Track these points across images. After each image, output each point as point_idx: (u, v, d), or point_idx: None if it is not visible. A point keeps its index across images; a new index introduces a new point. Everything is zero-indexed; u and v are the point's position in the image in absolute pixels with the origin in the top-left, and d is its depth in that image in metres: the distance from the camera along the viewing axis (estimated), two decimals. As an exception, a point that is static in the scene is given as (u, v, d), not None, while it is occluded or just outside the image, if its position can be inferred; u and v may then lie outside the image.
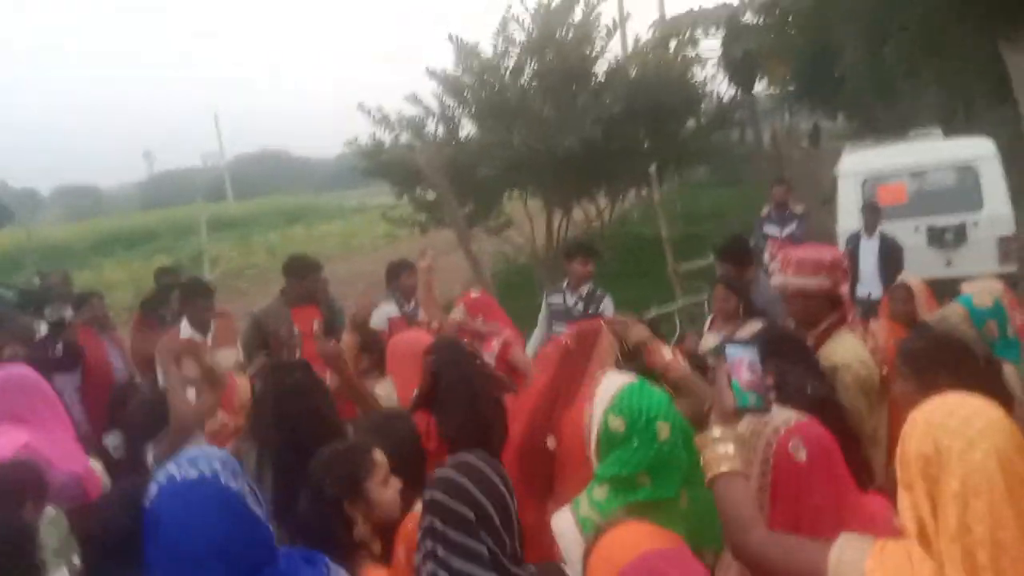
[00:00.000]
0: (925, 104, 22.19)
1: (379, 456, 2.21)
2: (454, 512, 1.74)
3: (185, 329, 4.86)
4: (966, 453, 1.47)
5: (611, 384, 2.09)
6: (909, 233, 8.25)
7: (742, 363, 1.87)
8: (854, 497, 1.71)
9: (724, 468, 1.71)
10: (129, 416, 3.37)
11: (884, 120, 23.64)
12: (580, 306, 5.56)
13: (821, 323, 3.14)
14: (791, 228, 8.33)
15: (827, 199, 11.77)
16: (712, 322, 4.77)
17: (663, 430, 1.95)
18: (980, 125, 14.82)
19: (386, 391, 3.63)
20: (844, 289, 3.15)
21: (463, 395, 3.02)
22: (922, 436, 1.54)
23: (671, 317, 8.42)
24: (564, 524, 1.99)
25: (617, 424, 1.98)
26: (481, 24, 12.98)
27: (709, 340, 4.57)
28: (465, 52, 11.23)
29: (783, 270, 3.18)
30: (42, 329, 4.57)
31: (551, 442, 2.40)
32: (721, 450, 1.74)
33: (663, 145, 12.99)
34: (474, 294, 4.88)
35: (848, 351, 3.01)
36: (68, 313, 5.12)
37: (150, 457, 3.08)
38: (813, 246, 3.37)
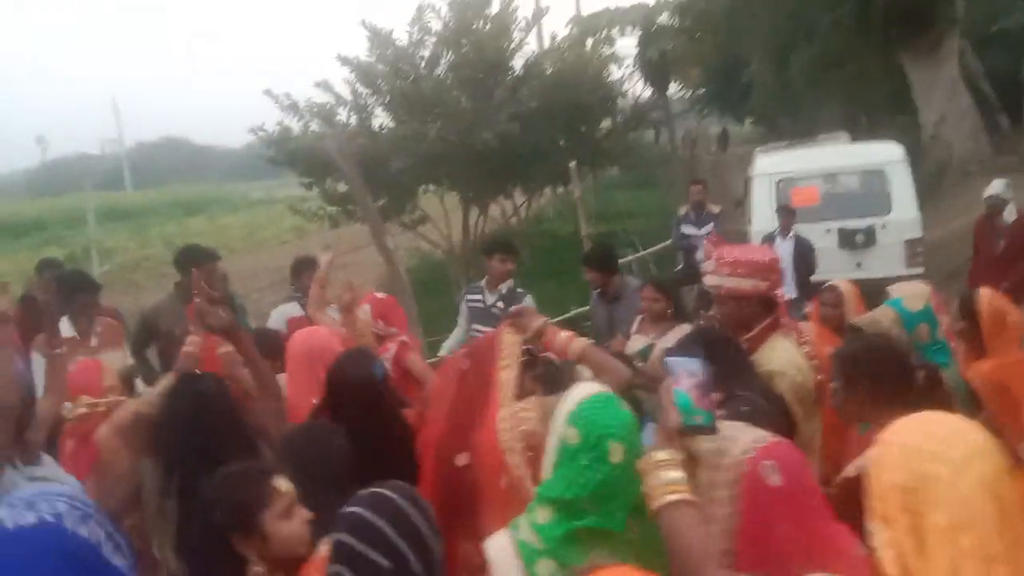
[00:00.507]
0: (828, 112, 23.02)
1: (282, 483, 1.90)
2: (366, 560, 1.47)
3: (65, 328, 4.37)
4: (952, 483, 1.30)
5: (578, 393, 1.85)
6: (820, 235, 8.35)
7: (685, 376, 1.67)
8: (826, 528, 1.52)
9: (672, 497, 1.50)
10: None
11: (789, 126, 24.46)
12: (500, 304, 5.35)
13: (754, 327, 2.99)
14: (708, 227, 8.33)
15: (739, 200, 11.96)
16: (639, 324, 4.61)
17: (616, 451, 1.71)
18: (882, 132, 15.38)
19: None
20: (780, 292, 3.02)
21: (370, 413, 2.78)
22: (899, 464, 1.37)
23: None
24: (500, 549, 1.74)
25: (571, 435, 1.75)
26: (396, 11, 12.59)
27: (636, 343, 4.42)
28: (379, 39, 10.85)
29: (717, 270, 3.02)
30: None
31: (463, 459, 2.15)
32: (667, 476, 1.53)
33: (579, 143, 12.91)
34: (379, 294, 4.64)
35: (783, 357, 2.87)
36: None
37: None
38: (749, 246, 3.23)
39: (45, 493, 1.37)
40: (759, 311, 3.00)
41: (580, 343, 2.61)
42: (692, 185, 8.74)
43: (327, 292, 5.00)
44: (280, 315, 5.30)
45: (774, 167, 9.34)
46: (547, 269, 12.45)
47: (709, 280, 3.11)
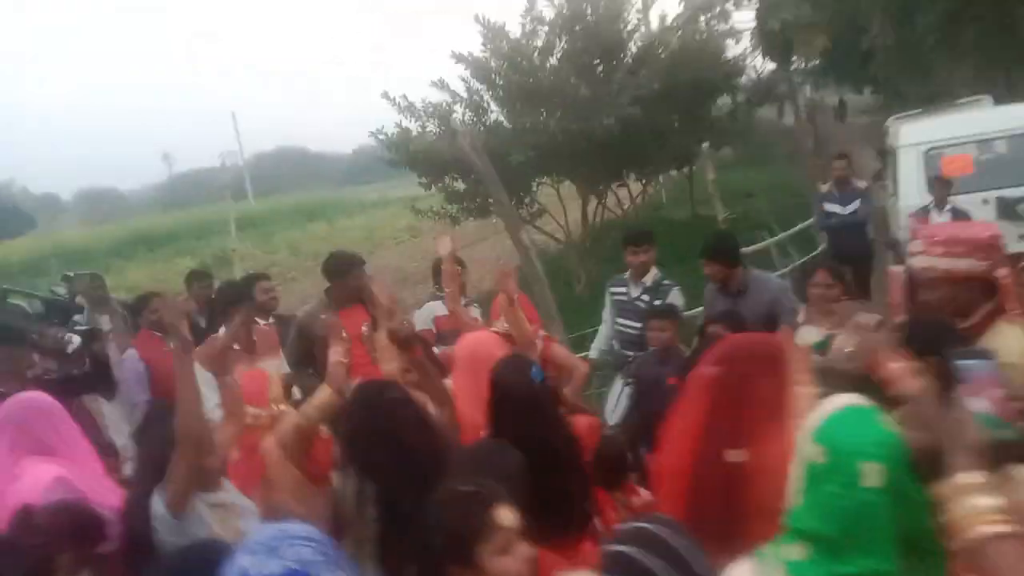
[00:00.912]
0: (960, 73, 21.44)
1: (504, 516, 1.74)
2: None
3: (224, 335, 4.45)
4: None
5: (828, 406, 1.63)
6: (977, 206, 7.71)
7: (985, 382, 1.41)
8: None
9: (993, 528, 1.26)
10: (141, 451, 2.90)
11: (915, 92, 22.94)
12: (645, 298, 5.12)
13: (973, 313, 2.68)
14: (854, 205, 7.81)
15: (876, 174, 11.24)
16: (806, 314, 4.29)
17: (870, 474, 1.46)
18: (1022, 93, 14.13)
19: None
20: (1002, 273, 2.68)
21: (531, 422, 2.66)
22: None
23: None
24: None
25: (817, 455, 1.52)
26: (506, 4, 12.48)
27: (808, 335, 4.11)
28: (493, 33, 10.75)
29: (928, 250, 2.72)
30: (74, 341, 4.17)
31: (738, 455, 1.90)
32: (982, 502, 1.28)
33: (699, 123, 12.46)
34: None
35: (1015, 346, 2.54)
36: (104, 320, 4.76)
37: (159, 507, 2.55)
38: (964, 223, 2.89)
39: (286, 536, 1.26)
40: (978, 295, 2.68)
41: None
42: (835, 160, 8.19)
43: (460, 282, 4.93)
44: (427, 313, 5.25)
45: (922, 136, 8.67)
46: (670, 257, 12.06)
47: (919, 262, 2.80)
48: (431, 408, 2.93)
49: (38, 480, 2.78)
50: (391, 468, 2.35)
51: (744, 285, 4.71)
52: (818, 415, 1.61)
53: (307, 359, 4.84)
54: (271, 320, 5.52)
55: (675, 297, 5.06)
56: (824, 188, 8.24)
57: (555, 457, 2.60)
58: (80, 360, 4.34)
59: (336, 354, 3.68)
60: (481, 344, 3.33)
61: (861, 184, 8.11)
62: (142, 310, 5.64)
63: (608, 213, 13.97)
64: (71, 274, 4.49)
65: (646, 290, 5.08)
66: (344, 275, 4.91)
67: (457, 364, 3.35)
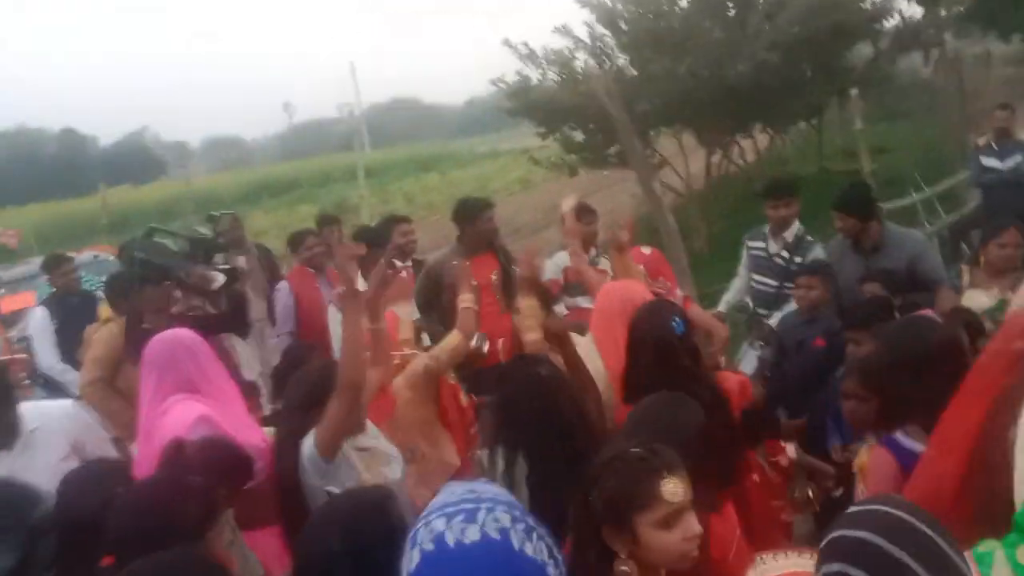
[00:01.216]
0: None
1: (672, 489, 1.59)
2: None
3: (360, 283, 4.46)
4: None
5: None
6: None
7: None
8: None
9: None
10: (289, 392, 2.87)
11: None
12: (784, 254, 4.81)
13: None
14: (1016, 159, 7.12)
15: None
16: (972, 275, 3.92)
17: None
18: None
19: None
20: None
21: (669, 376, 2.51)
22: None
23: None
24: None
25: None
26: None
27: (975, 298, 3.76)
28: (619, -24, 10.35)
29: None
30: (218, 279, 4.27)
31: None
32: None
33: (836, 71, 11.68)
34: (645, 249, 4.32)
35: None
36: (241, 261, 4.88)
37: (311, 448, 2.54)
38: None
39: (482, 500, 1.16)
40: None
41: None
42: (997, 110, 7.47)
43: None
44: (557, 263, 5.16)
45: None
46: (804, 214, 11.47)
47: None
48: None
49: (183, 418, 2.83)
50: (547, 447, 2.27)
51: (880, 241, 4.35)
52: None
53: (435, 304, 4.83)
54: (409, 263, 5.56)
55: (818, 254, 4.74)
56: (981, 141, 7.54)
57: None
58: (221, 298, 4.44)
59: (466, 300, 3.62)
60: (629, 291, 3.18)
61: (1023, 138, 7.40)
62: (297, 248, 5.84)
63: (731, 166, 13.40)
64: (216, 214, 4.61)
65: (786, 246, 4.79)
66: (473, 220, 4.84)
67: (603, 315, 3.22)
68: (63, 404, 3.56)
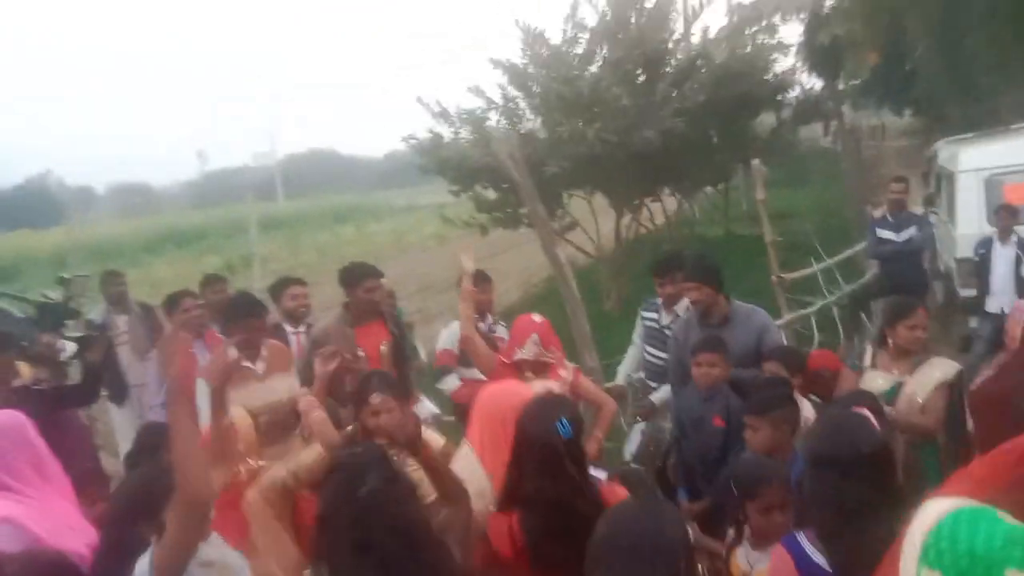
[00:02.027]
0: (1011, 97, 20.78)
1: None
2: None
3: (232, 352, 4.09)
4: None
5: (928, 515, 1.24)
6: (1044, 239, 7.19)
7: None
8: None
9: None
10: (114, 500, 2.48)
11: (959, 115, 22.25)
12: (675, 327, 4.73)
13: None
14: (910, 232, 7.33)
15: (928, 199, 10.71)
16: (872, 356, 3.85)
17: None
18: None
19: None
20: None
21: (553, 483, 2.33)
22: None
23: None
24: None
25: None
26: (549, 10, 12.13)
27: (874, 380, 3.68)
28: (532, 39, 10.40)
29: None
30: (67, 348, 3.85)
31: None
32: None
33: (740, 139, 12.01)
34: (536, 318, 4.13)
35: None
36: (122, 321, 4.45)
37: (144, 568, 2.15)
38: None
39: None
40: None
41: None
42: (892, 182, 7.70)
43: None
44: (453, 334, 4.94)
45: (983, 161, 8.13)
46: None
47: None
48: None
49: None
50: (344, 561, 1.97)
51: (728, 314, 4.23)
52: (918, 531, 1.22)
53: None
54: (302, 329, 5.22)
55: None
56: (877, 213, 7.76)
57: (577, 521, 2.20)
58: (75, 368, 4.02)
59: (316, 415, 3.23)
60: (510, 393, 2.94)
61: (917, 210, 7.64)
62: (173, 311, 5.38)
63: (641, 228, 13.54)
64: (66, 276, 4.18)
65: (677, 319, 4.72)
66: (355, 287, 4.57)
67: (485, 419, 2.96)
68: None
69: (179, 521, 2.10)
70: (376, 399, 3.00)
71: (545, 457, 2.39)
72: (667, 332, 4.72)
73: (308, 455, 2.95)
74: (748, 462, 2.96)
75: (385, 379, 3.20)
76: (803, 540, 2.16)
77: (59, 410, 3.87)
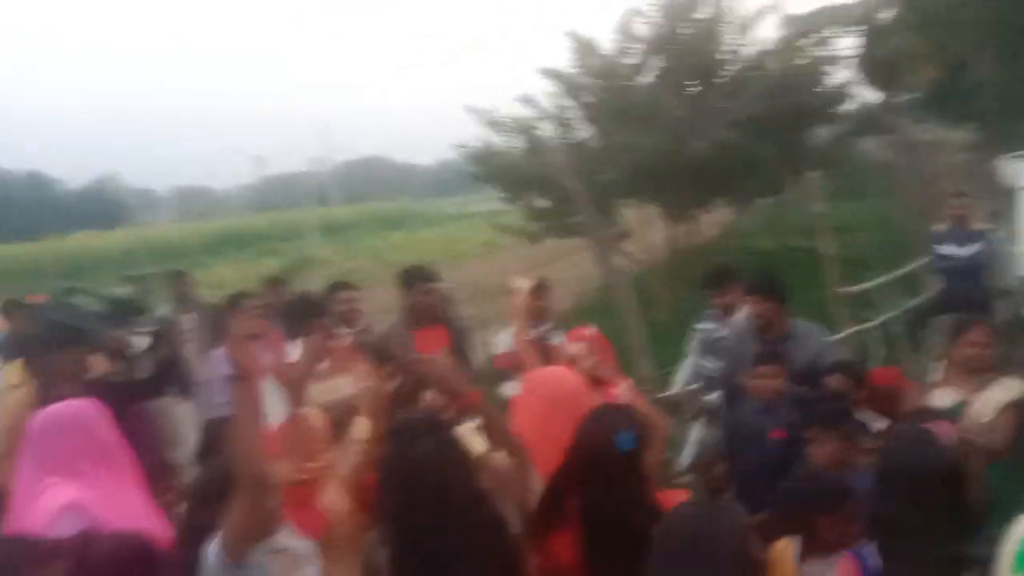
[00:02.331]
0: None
1: None
2: None
3: (295, 352, 4.24)
4: None
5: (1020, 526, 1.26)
6: (1110, 254, 6.98)
7: None
8: None
9: None
10: (199, 483, 2.58)
11: (1020, 130, 21.59)
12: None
13: None
14: (974, 247, 7.15)
15: (992, 215, 10.44)
16: (943, 373, 3.80)
17: None
18: None
19: None
20: None
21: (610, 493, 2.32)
22: None
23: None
24: None
25: None
26: (601, 21, 12.18)
27: (941, 397, 3.63)
28: (584, 49, 10.46)
29: None
30: (135, 344, 4.02)
31: None
32: None
33: (795, 151, 11.86)
34: (587, 330, 4.14)
35: None
36: (188, 319, 4.60)
37: (213, 555, 2.23)
38: None
39: None
40: None
41: None
42: (953, 197, 7.53)
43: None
44: (510, 340, 5.00)
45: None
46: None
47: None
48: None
49: (50, 505, 2.56)
50: (409, 539, 2.07)
51: (788, 332, 4.15)
52: (1011, 540, 1.24)
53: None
54: (351, 332, 5.34)
55: None
56: (940, 228, 7.59)
57: (635, 534, 2.22)
58: (145, 363, 4.19)
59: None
60: (562, 383, 2.97)
61: (982, 226, 7.45)
62: (234, 309, 5.57)
63: (693, 239, 13.46)
64: (135, 274, 4.37)
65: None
66: (412, 288, 4.66)
67: (534, 399, 3.00)
68: None
69: (240, 504, 2.17)
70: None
71: (603, 470, 2.37)
72: (725, 342, 4.69)
73: (360, 429, 3.00)
74: (822, 477, 2.89)
75: None
76: (870, 553, 2.16)
77: (129, 403, 4.04)
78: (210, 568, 2.23)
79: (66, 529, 2.43)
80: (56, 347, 3.79)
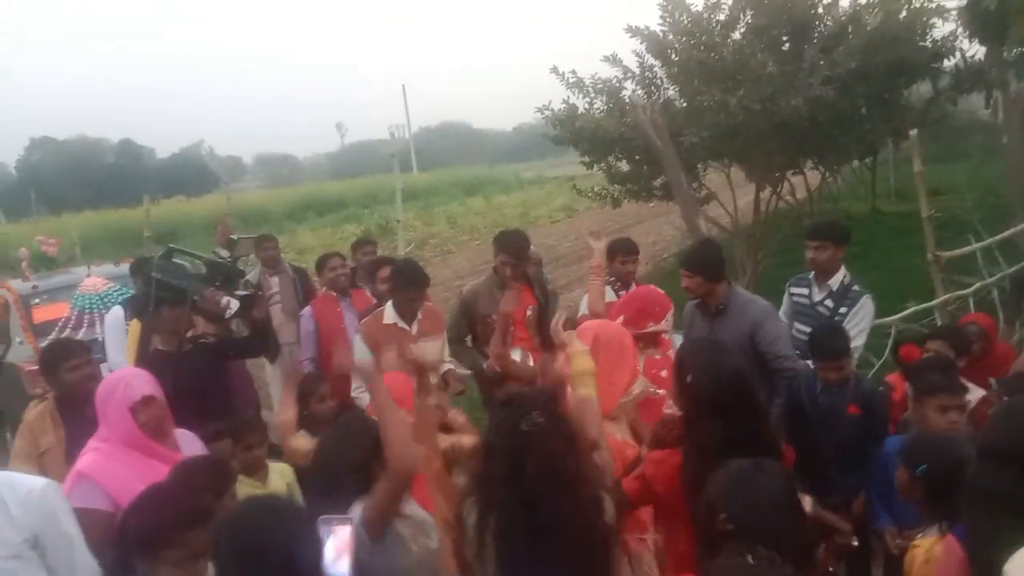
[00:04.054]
0: None
1: None
2: None
3: (389, 314, 4.32)
4: None
5: None
6: None
7: None
8: None
9: None
10: (326, 448, 2.71)
11: None
12: (828, 303, 4.56)
13: None
14: (1088, 210, 6.72)
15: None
16: None
17: None
18: None
19: None
20: None
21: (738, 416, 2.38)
22: None
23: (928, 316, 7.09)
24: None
25: None
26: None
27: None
28: (672, 5, 10.12)
29: None
30: (232, 306, 4.13)
31: None
32: None
33: (892, 110, 11.29)
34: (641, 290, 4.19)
35: None
36: (275, 282, 4.72)
37: (354, 514, 2.38)
38: None
39: None
40: None
41: None
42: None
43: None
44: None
45: None
46: (856, 256, 11.04)
47: None
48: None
49: (72, 471, 2.89)
50: (507, 513, 2.13)
51: (724, 304, 4.18)
52: None
53: (467, 333, 4.83)
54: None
55: (866, 306, 4.46)
56: (1051, 188, 7.14)
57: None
58: (241, 324, 4.31)
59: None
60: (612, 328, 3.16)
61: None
62: (322, 270, 5.77)
63: (780, 202, 13.05)
64: (234, 237, 4.47)
65: (831, 295, 4.54)
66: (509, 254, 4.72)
67: (604, 344, 3.08)
68: (32, 485, 2.51)
69: (389, 487, 2.36)
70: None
71: (723, 399, 2.47)
72: (819, 308, 4.55)
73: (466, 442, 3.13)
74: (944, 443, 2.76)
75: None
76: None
77: (227, 361, 4.17)
78: (356, 548, 2.35)
79: (75, 497, 2.67)
80: (159, 304, 3.93)
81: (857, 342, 4.30)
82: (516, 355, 4.54)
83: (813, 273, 4.66)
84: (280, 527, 1.84)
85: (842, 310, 4.45)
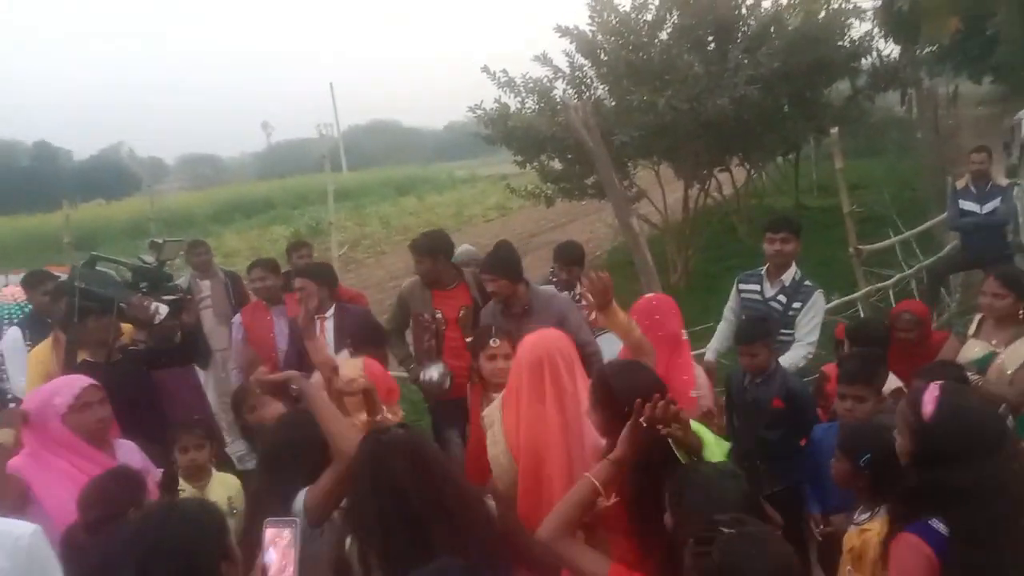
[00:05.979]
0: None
1: None
2: None
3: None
4: None
5: None
6: None
7: None
8: None
9: None
10: (270, 434, 2.73)
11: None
12: (781, 299, 4.51)
13: None
14: (993, 203, 7.08)
15: (1011, 170, 10.29)
16: (977, 326, 3.79)
17: None
18: None
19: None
20: None
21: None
22: None
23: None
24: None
25: None
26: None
27: (972, 349, 3.63)
28: (600, 5, 10.25)
29: None
30: (161, 311, 4.01)
31: None
32: None
33: (812, 108, 11.69)
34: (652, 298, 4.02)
35: None
36: (206, 286, 4.60)
37: (298, 502, 2.43)
38: None
39: None
40: None
41: None
42: (973, 153, 7.43)
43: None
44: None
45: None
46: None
47: None
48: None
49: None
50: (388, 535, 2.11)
51: (528, 304, 4.28)
52: None
53: (405, 327, 4.94)
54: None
55: (818, 302, 4.46)
56: (960, 184, 7.48)
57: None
58: (170, 331, 4.19)
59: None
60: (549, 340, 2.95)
61: (1002, 182, 7.34)
62: (251, 275, 5.63)
63: (708, 199, 13.35)
64: (159, 241, 4.32)
65: (783, 290, 4.50)
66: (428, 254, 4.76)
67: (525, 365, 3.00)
68: (19, 532, 2.31)
69: (333, 475, 2.42)
70: (495, 343, 3.31)
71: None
72: (772, 304, 4.50)
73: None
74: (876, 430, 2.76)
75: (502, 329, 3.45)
76: (941, 527, 2.07)
77: (157, 368, 4.05)
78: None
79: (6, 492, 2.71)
80: (84, 314, 3.80)
81: (811, 337, 4.33)
82: (434, 372, 4.49)
83: (765, 268, 4.61)
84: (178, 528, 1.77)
85: (795, 305, 4.42)
